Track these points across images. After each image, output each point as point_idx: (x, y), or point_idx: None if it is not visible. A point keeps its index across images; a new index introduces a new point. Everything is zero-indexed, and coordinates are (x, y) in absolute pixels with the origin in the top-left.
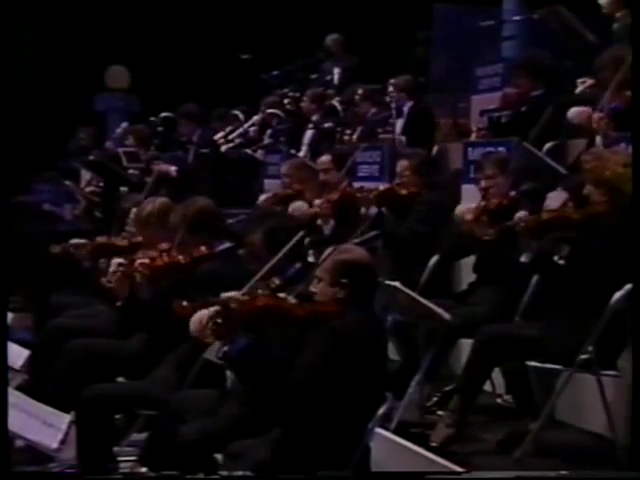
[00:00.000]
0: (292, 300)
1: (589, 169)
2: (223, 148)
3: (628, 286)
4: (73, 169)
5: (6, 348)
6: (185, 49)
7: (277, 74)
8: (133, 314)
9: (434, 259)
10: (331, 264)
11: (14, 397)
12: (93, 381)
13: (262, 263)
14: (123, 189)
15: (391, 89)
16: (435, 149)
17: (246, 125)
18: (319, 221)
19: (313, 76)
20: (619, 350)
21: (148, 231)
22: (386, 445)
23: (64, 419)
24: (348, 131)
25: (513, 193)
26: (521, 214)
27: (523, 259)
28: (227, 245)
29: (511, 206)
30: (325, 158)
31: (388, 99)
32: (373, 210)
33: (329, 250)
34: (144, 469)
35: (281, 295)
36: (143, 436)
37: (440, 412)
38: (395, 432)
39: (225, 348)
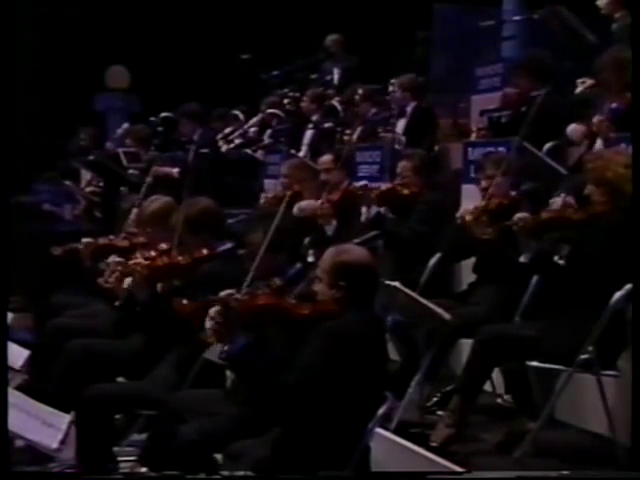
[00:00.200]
0: (292, 300)
1: (591, 169)
2: (223, 148)
3: (628, 286)
4: (73, 169)
5: (6, 348)
6: (185, 49)
7: (277, 74)
8: (132, 314)
9: (434, 259)
10: (329, 265)
11: (14, 397)
12: (93, 381)
13: (261, 263)
14: (123, 189)
15: (394, 88)
16: (435, 149)
17: (246, 125)
18: (320, 221)
19: (313, 76)
20: (619, 350)
21: (150, 230)
22: (386, 445)
23: (64, 419)
24: (348, 131)
25: (514, 193)
26: (521, 215)
27: (523, 259)
28: (228, 245)
29: (512, 206)
30: (326, 158)
31: (390, 98)
32: (374, 210)
33: (329, 250)
34: (144, 469)
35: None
36: (143, 436)
37: (440, 412)
38: (395, 432)
39: (225, 348)
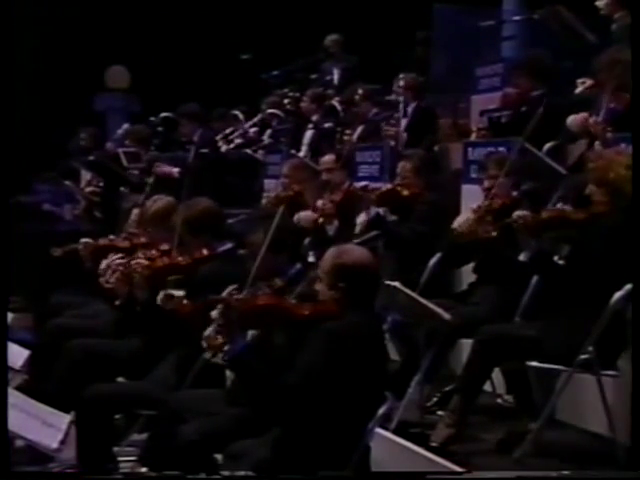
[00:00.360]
0: (293, 300)
1: (592, 169)
2: (223, 148)
3: (628, 286)
4: (73, 169)
5: (6, 348)
6: (185, 49)
7: (277, 74)
8: (132, 314)
9: (434, 259)
10: (329, 266)
11: (14, 397)
12: (93, 381)
13: (262, 262)
14: (123, 189)
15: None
16: (435, 149)
17: (246, 125)
18: (321, 220)
19: (313, 76)
20: (619, 350)
21: (152, 230)
22: (386, 445)
23: (64, 419)
24: (348, 131)
25: (515, 193)
26: (520, 212)
27: (522, 258)
28: (228, 246)
29: (514, 206)
30: (328, 158)
31: (394, 97)
32: (373, 210)
33: (330, 251)
34: (144, 469)
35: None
36: (143, 436)
37: (440, 412)
38: (395, 432)
39: (225, 348)
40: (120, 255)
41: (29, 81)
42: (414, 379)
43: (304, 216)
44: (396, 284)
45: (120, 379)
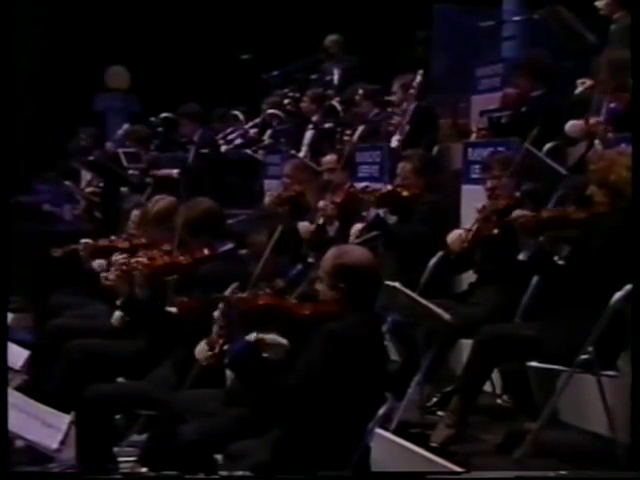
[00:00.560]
0: (293, 300)
1: (594, 170)
2: (223, 148)
3: (628, 286)
4: (73, 169)
5: (6, 348)
6: (185, 49)
7: (277, 74)
8: (132, 313)
9: (434, 259)
10: (330, 267)
11: (14, 397)
12: (93, 381)
13: (265, 263)
14: (124, 190)
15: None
16: (435, 149)
17: (247, 126)
18: (321, 220)
19: (313, 76)
20: (619, 350)
21: (154, 230)
22: (386, 445)
23: (64, 419)
24: (348, 131)
25: (518, 194)
26: (520, 212)
27: (521, 257)
28: (229, 246)
29: (517, 207)
30: (330, 158)
31: (394, 98)
32: (373, 212)
33: (331, 251)
34: (144, 469)
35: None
36: (143, 436)
37: (440, 412)
38: (395, 432)
39: (225, 347)
40: (123, 255)
41: (29, 81)
42: (414, 379)
43: (302, 226)
44: (396, 284)
45: (120, 379)
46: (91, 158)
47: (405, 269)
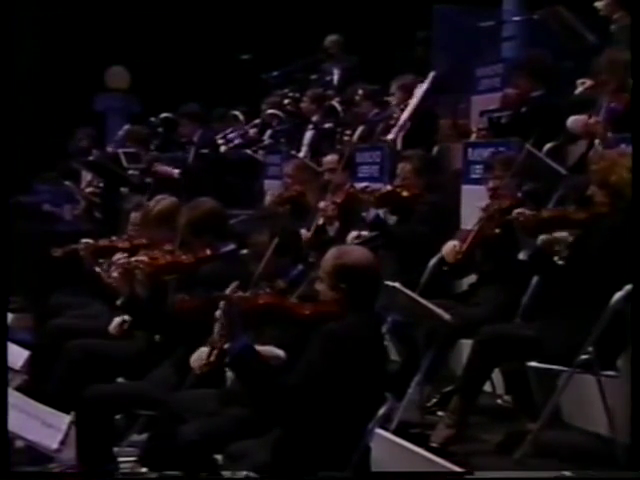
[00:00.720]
0: (294, 300)
1: (595, 170)
2: (222, 148)
3: (628, 287)
4: (73, 169)
5: (6, 349)
6: (185, 49)
7: (277, 74)
8: (133, 312)
9: (434, 260)
10: (331, 267)
11: (14, 398)
12: (93, 381)
13: (267, 264)
14: (124, 190)
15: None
16: (435, 149)
17: (247, 126)
18: (321, 220)
19: (313, 77)
20: (619, 351)
21: (155, 230)
22: (386, 446)
23: (64, 419)
24: (348, 131)
25: (520, 194)
26: (520, 210)
27: (521, 256)
28: (231, 247)
29: (519, 207)
30: (331, 158)
31: (392, 99)
32: (373, 212)
33: (331, 251)
34: (144, 469)
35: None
36: (143, 436)
37: (440, 413)
38: (395, 433)
39: (226, 346)
40: (124, 255)
41: (29, 81)
42: (414, 379)
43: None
44: (396, 285)
45: (120, 379)
46: (91, 158)
47: (405, 269)
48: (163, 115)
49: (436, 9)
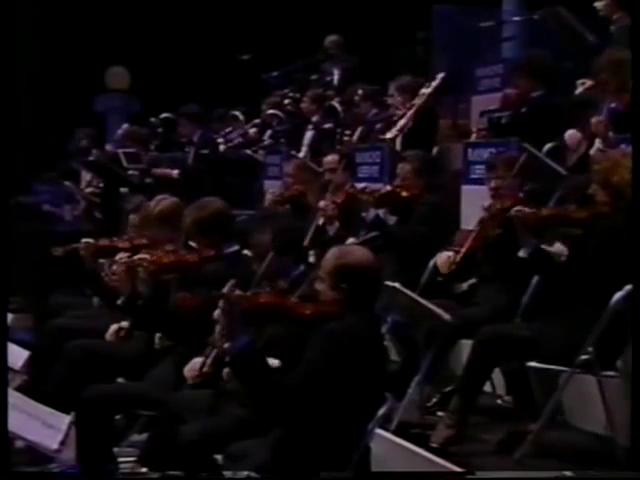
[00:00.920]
0: (295, 300)
1: (597, 170)
2: (222, 147)
3: (628, 287)
4: (73, 170)
5: (6, 349)
6: (185, 50)
7: (277, 75)
8: (133, 312)
9: (434, 260)
10: (332, 267)
11: (14, 398)
12: (93, 382)
13: (269, 265)
14: (123, 190)
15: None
16: (435, 150)
17: (247, 126)
18: (321, 221)
19: (313, 77)
20: (619, 351)
21: (156, 230)
22: (386, 446)
23: (64, 420)
24: (348, 132)
25: (521, 194)
26: (519, 207)
27: (521, 254)
28: (235, 248)
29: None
30: (332, 158)
31: (390, 101)
32: (373, 212)
33: (332, 251)
34: (144, 469)
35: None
36: (143, 437)
37: (440, 413)
38: (395, 433)
39: (226, 345)
40: (126, 254)
41: (29, 82)
42: (414, 379)
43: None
44: (396, 285)
45: (120, 379)
46: (91, 158)
47: (405, 269)
48: (163, 115)
49: (436, 9)
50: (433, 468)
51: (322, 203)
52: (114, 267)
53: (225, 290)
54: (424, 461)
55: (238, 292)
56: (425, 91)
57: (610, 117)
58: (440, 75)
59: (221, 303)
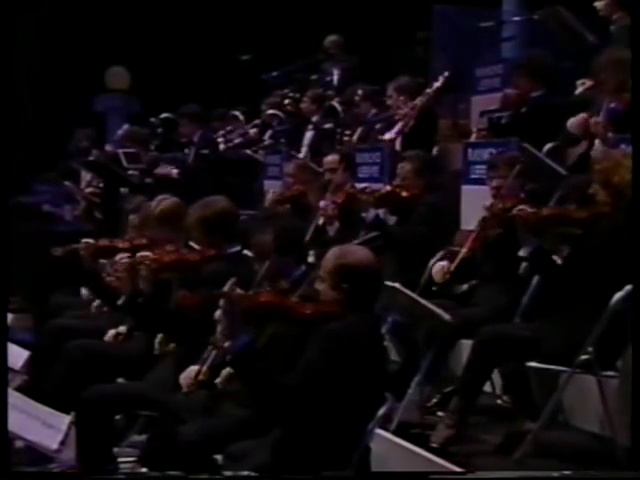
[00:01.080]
0: (295, 299)
1: (598, 170)
2: (222, 147)
3: (628, 287)
4: (73, 170)
5: (6, 349)
6: (185, 50)
7: (277, 75)
8: (134, 312)
9: (434, 260)
10: (333, 267)
11: (14, 398)
12: (93, 382)
13: (270, 265)
14: (123, 190)
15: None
16: (435, 150)
17: (247, 126)
18: (321, 221)
19: (313, 77)
20: (619, 351)
21: (156, 230)
22: (386, 446)
23: (64, 420)
24: (348, 132)
25: (522, 195)
26: (520, 206)
27: (522, 253)
28: (237, 248)
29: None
30: (332, 157)
31: (389, 102)
32: (373, 212)
33: (333, 251)
34: (144, 469)
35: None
36: (143, 437)
37: (440, 413)
38: (395, 433)
39: (226, 344)
40: (127, 254)
41: (29, 82)
42: (414, 380)
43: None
44: (396, 285)
45: (120, 379)
46: (91, 158)
47: (405, 269)
48: (163, 115)
49: (436, 9)
50: (433, 468)
51: (322, 203)
52: (116, 266)
53: (225, 289)
54: (424, 461)
55: (239, 291)
56: (429, 91)
57: (609, 117)
58: (445, 74)
59: (222, 302)
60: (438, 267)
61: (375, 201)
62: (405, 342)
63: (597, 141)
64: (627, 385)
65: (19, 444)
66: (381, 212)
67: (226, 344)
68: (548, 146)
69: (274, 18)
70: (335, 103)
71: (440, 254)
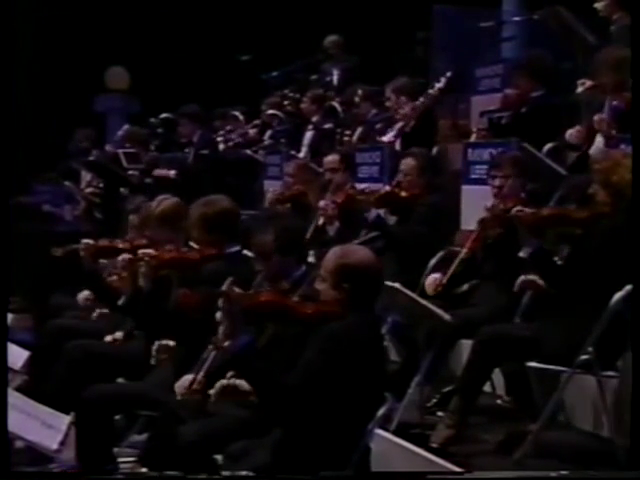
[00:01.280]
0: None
1: (598, 170)
2: (221, 146)
3: (628, 287)
4: (73, 170)
5: (6, 349)
6: (185, 50)
7: (277, 75)
8: (134, 312)
9: (434, 260)
10: (333, 267)
11: (14, 398)
12: (93, 382)
13: (272, 264)
14: (123, 190)
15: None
16: (435, 150)
17: (247, 126)
18: (321, 221)
19: (313, 77)
20: (619, 351)
21: (157, 230)
22: (386, 446)
23: (64, 420)
24: (348, 132)
25: (523, 195)
26: (519, 207)
27: (522, 254)
28: (237, 248)
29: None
30: (332, 158)
31: (388, 103)
32: (373, 212)
33: (333, 250)
34: (144, 469)
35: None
36: (143, 437)
37: (440, 413)
38: (395, 433)
39: (226, 344)
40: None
41: (29, 82)
42: (414, 380)
43: None
44: (396, 285)
45: (120, 379)
46: (91, 158)
47: (405, 269)
48: (163, 115)
49: (436, 9)
50: (433, 468)
51: (322, 203)
52: (117, 265)
53: (224, 288)
54: (424, 461)
55: (237, 290)
56: (431, 91)
57: (613, 115)
58: (447, 74)
59: (222, 302)
60: (430, 280)
61: (375, 201)
62: (405, 342)
63: (597, 140)
64: (627, 385)
65: (19, 444)
66: (381, 212)
67: (226, 344)
68: (548, 146)
69: (274, 18)
70: (335, 103)
71: (440, 254)
